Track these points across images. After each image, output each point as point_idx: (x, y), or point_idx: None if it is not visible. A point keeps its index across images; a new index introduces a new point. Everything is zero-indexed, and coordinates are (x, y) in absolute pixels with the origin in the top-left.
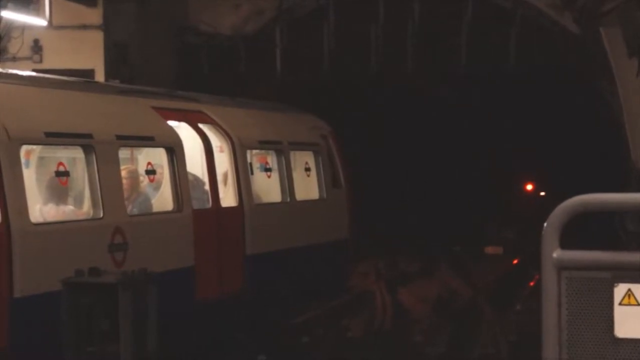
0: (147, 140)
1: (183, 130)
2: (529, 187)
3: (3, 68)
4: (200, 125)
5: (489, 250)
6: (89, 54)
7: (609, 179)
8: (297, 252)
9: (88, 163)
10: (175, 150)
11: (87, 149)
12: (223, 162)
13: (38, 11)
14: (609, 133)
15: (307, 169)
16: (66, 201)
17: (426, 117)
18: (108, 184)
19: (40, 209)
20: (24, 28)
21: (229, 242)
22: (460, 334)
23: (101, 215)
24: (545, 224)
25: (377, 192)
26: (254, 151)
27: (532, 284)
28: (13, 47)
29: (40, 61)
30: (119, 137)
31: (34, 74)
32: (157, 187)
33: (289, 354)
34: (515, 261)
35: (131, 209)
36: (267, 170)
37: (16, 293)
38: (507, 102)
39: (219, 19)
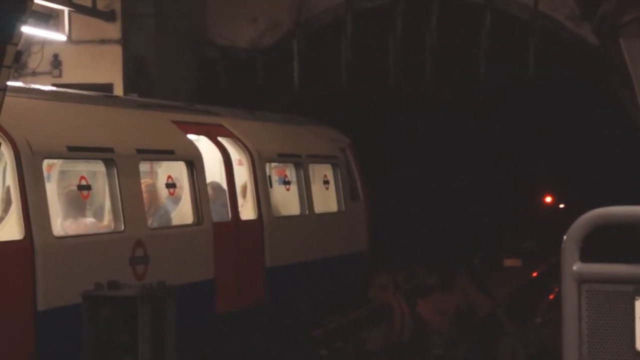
0: (167, 154)
1: (202, 143)
2: (548, 199)
3: (23, 83)
4: (220, 139)
5: (508, 262)
6: (107, 69)
7: (630, 190)
8: (316, 264)
9: (109, 177)
10: (195, 164)
11: (109, 163)
12: (242, 175)
13: (57, 26)
14: (630, 144)
15: (326, 182)
16: (88, 214)
17: (444, 128)
18: (129, 198)
19: (62, 222)
20: (43, 43)
21: (248, 255)
22: (479, 346)
23: (122, 228)
24: (565, 237)
25: (395, 204)
26: (273, 164)
27: (551, 297)
28: (33, 62)
29: (60, 76)
30: (140, 151)
31: (55, 88)
32: (177, 201)
33: None
34: (534, 274)
35: (152, 222)
36: (286, 183)
37: (40, 306)
38: (526, 113)
39: (236, 32)
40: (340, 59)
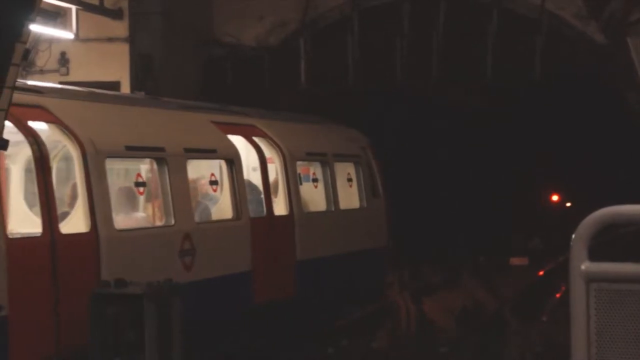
0: (210, 153)
1: (239, 142)
2: (555, 197)
3: (31, 80)
4: (254, 138)
5: (515, 261)
6: (115, 66)
7: (637, 189)
8: (341, 258)
9: (161, 174)
10: (234, 162)
11: (160, 162)
12: (274, 172)
13: (65, 24)
14: (636, 143)
15: (349, 180)
16: (143, 209)
17: (451, 127)
18: (178, 194)
19: (121, 216)
20: (51, 41)
21: (281, 249)
22: (485, 345)
23: (173, 222)
24: (573, 236)
25: (401, 203)
26: (302, 162)
27: (558, 295)
28: (40, 60)
29: (67, 74)
30: (187, 150)
31: (112, 92)
32: (219, 197)
33: None
34: (541, 272)
35: (197, 217)
36: (314, 180)
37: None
38: (533, 112)
39: (243, 30)
40: (346, 58)
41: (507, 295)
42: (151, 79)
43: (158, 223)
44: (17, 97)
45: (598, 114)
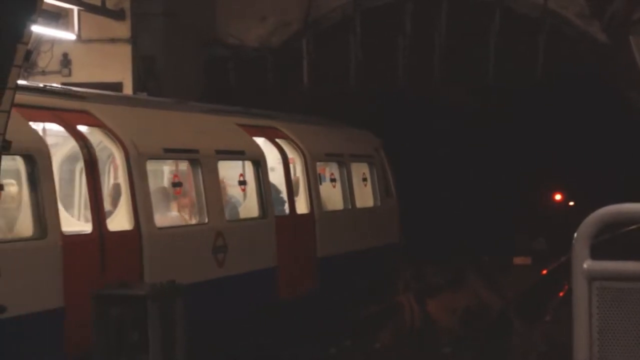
0: (239, 154)
1: (262, 144)
2: (558, 197)
3: (32, 82)
4: (277, 140)
5: (518, 260)
6: (117, 67)
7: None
8: (357, 255)
9: (194, 175)
10: (260, 163)
11: (194, 163)
12: (296, 173)
13: (67, 25)
14: (638, 141)
15: (364, 179)
16: (178, 208)
17: (453, 127)
18: (211, 193)
19: (160, 215)
20: (53, 42)
21: (303, 246)
22: (489, 345)
23: (206, 220)
24: (575, 235)
25: (403, 203)
26: (321, 163)
27: (561, 294)
28: (42, 61)
29: (69, 75)
30: (218, 152)
31: (149, 97)
32: (246, 196)
33: None
34: (544, 271)
35: (228, 215)
36: (332, 180)
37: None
38: (535, 111)
39: (245, 31)
40: (349, 58)
41: (511, 295)
42: (153, 80)
43: (192, 221)
44: (65, 102)
45: (600, 113)
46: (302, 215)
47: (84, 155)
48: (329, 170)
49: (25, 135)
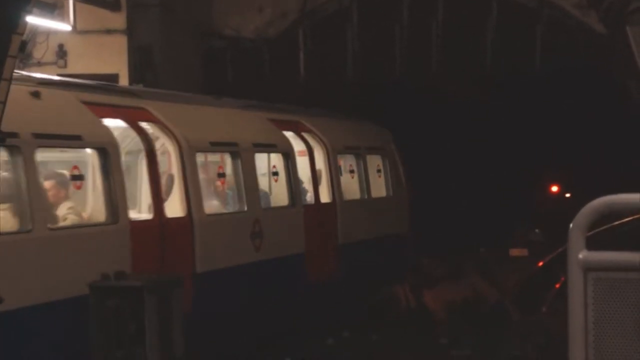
0: (272, 147)
1: (291, 138)
2: (554, 188)
3: (28, 73)
4: (303, 134)
5: (514, 252)
6: (113, 59)
7: (636, 180)
8: (373, 242)
9: (234, 167)
10: (290, 155)
11: (234, 155)
12: (319, 164)
13: (62, 16)
14: (636, 133)
15: (379, 171)
16: (220, 197)
17: (450, 118)
18: (248, 183)
19: (207, 203)
20: (48, 33)
21: (327, 233)
22: (485, 336)
23: (245, 209)
24: (571, 225)
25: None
26: (341, 155)
27: (557, 285)
28: (38, 52)
29: (65, 66)
30: (254, 145)
31: (193, 95)
32: (277, 186)
33: (314, 356)
34: (540, 263)
35: (263, 204)
36: (351, 171)
37: (197, 269)
38: (532, 102)
39: (242, 22)
40: (346, 49)
41: (508, 287)
42: (151, 71)
43: (233, 209)
44: (125, 100)
45: (597, 104)
46: (326, 204)
47: (145, 148)
48: (348, 162)
49: (99, 130)
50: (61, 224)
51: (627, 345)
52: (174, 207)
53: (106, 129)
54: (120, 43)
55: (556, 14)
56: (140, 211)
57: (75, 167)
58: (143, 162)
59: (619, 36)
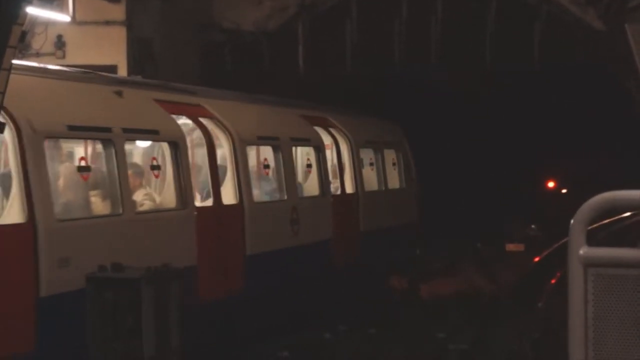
0: (306, 141)
1: (320, 132)
2: (551, 184)
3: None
4: (330, 129)
5: (511, 247)
6: (112, 50)
7: (633, 176)
8: (389, 230)
9: (276, 159)
10: (321, 149)
11: (276, 148)
12: (344, 157)
13: (62, 7)
14: (633, 129)
15: (394, 164)
16: (265, 187)
17: (448, 113)
18: (288, 174)
19: (255, 191)
20: (47, 24)
21: (350, 221)
22: (483, 331)
23: (285, 197)
24: (572, 221)
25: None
26: (363, 149)
27: (553, 281)
28: (36, 43)
29: (63, 57)
30: (292, 139)
31: (241, 93)
32: (310, 177)
33: (311, 350)
34: (536, 258)
35: (299, 193)
36: (371, 164)
37: (248, 251)
38: (530, 98)
39: (242, 15)
40: (345, 42)
41: (504, 282)
42: (149, 63)
43: (275, 197)
44: (185, 98)
45: (596, 100)
46: (350, 194)
47: (206, 142)
48: (368, 155)
49: (170, 125)
50: (139, 209)
51: (626, 341)
52: (228, 195)
53: (176, 124)
54: (119, 34)
55: (555, 11)
56: (202, 198)
57: (154, 158)
58: (203, 154)
59: (618, 33)
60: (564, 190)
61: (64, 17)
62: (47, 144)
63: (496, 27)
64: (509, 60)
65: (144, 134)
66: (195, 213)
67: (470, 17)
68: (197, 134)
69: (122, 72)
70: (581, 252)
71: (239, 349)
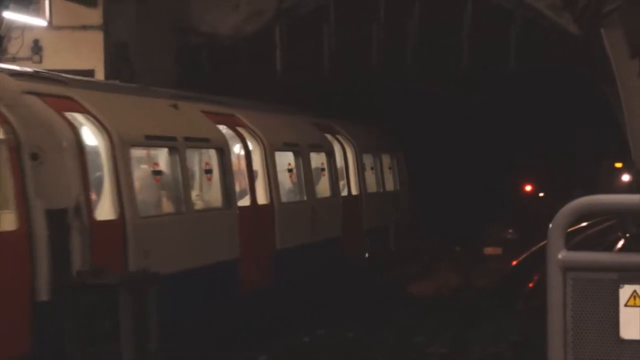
0: (319, 147)
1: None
2: (528, 187)
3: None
4: (337, 136)
5: (489, 250)
6: (89, 55)
7: (608, 181)
8: (388, 228)
9: (297, 163)
10: (332, 154)
11: (297, 154)
12: (350, 162)
13: (38, 11)
14: (608, 134)
15: (390, 168)
16: (289, 189)
17: (425, 117)
18: (307, 177)
19: (283, 192)
20: (24, 28)
21: (354, 220)
22: (460, 334)
23: (305, 198)
24: (550, 225)
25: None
26: (366, 154)
27: (531, 285)
28: (13, 48)
29: (40, 61)
30: (309, 145)
31: (260, 103)
32: (323, 180)
33: (290, 354)
34: (514, 262)
35: (316, 194)
36: (371, 168)
37: (277, 246)
38: (507, 102)
39: (219, 19)
40: (322, 47)
41: (482, 285)
42: (126, 68)
43: (297, 198)
44: (221, 108)
45: (572, 104)
46: (355, 196)
47: (245, 148)
48: (369, 159)
49: (217, 134)
50: (195, 208)
51: (604, 345)
52: (260, 196)
53: (221, 133)
54: (96, 39)
55: (531, 15)
56: (241, 199)
57: (207, 163)
58: (240, 159)
59: (594, 37)
60: (541, 194)
61: (40, 22)
62: (132, 152)
63: (473, 31)
64: (486, 63)
65: (199, 142)
66: (238, 212)
67: (447, 21)
68: (235, 140)
69: (100, 76)
70: (560, 256)
71: (219, 353)
